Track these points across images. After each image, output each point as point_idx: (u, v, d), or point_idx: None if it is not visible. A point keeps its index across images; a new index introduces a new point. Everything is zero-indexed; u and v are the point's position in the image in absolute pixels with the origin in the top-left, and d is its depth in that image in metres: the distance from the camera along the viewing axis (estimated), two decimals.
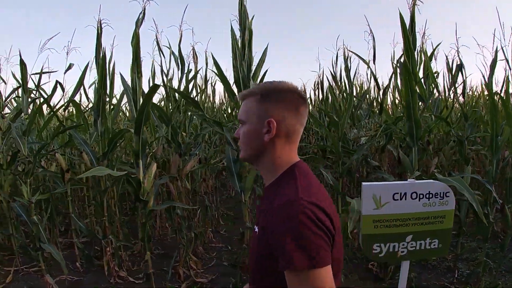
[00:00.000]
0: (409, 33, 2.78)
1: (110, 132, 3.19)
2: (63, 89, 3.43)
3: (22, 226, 3.82)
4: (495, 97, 2.89)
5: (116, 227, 3.44)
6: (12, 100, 3.99)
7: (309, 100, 6.29)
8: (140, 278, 3.43)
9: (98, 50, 3.24)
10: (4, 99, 3.59)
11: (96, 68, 3.24)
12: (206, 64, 3.71)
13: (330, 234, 0.86)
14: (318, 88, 4.76)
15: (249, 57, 2.85)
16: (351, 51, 3.24)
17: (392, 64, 3.51)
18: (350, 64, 3.54)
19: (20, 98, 3.25)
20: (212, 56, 2.99)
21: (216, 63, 2.97)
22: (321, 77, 4.41)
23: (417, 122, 2.63)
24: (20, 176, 3.63)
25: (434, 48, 3.11)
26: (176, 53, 3.32)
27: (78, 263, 3.62)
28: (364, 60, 3.19)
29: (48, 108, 3.53)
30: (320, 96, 4.67)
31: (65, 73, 3.42)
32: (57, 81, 3.37)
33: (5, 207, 3.53)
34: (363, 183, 1.87)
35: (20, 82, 3.16)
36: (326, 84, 4.31)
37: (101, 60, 3.12)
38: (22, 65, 3.11)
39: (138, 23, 2.87)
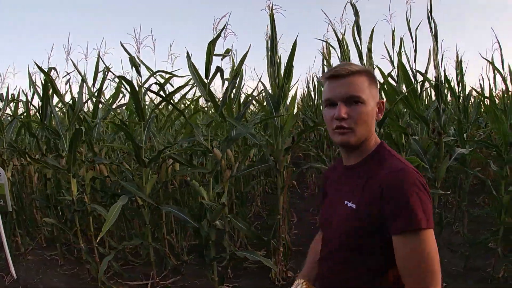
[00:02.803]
0: None
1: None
2: (222, 76, 3.05)
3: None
4: None
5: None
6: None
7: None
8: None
9: (274, 37, 3.02)
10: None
11: (271, 56, 3.01)
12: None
13: None
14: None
15: None
16: (486, 59, 3.63)
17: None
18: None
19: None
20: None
21: None
22: None
23: None
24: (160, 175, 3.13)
25: None
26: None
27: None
28: (496, 68, 3.63)
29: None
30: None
31: (222, 59, 3.04)
32: (218, 67, 2.98)
33: (146, 213, 3.01)
34: None
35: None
36: None
37: (291, 49, 2.92)
38: (211, 45, 2.71)
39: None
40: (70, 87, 3.07)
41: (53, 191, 3.17)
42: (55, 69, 3.06)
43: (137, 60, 2.94)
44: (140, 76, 3.01)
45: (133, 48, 2.98)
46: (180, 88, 3.12)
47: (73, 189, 3.00)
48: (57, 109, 3.48)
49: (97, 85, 3.15)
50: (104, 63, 2.92)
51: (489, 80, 7.63)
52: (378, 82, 1.02)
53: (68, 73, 3.03)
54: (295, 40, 2.97)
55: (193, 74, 2.84)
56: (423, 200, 0.85)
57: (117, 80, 3.14)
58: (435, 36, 3.03)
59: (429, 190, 0.89)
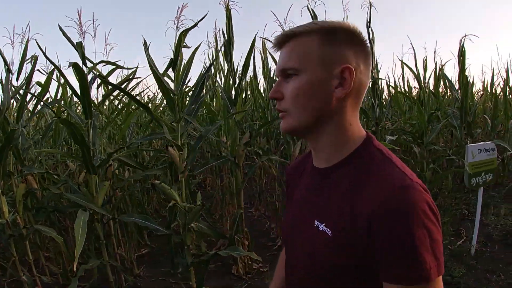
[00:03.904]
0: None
1: None
2: (173, 70, 2.82)
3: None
4: None
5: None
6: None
7: None
8: None
9: (230, 33, 2.95)
10: None
11: (227, 52, 2.93)
12: None
13: None
14: None
15: None
16: (402, 61, 4.22)
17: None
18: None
19: None
20: None
21: None
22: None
23: (466, 112, 4.01)
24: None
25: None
26: None
27: None
28: (411, 69, 4.31)
29: None
30: None
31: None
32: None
33: (100, 227, 2.63)
34: (467, 145, 3.16)
35: None
36: None
37: (250, 46, 2.90)
38: (182, 35, 2.46)
39: None
40: None
41: None
42: None
43: (82, 48, 2.51)
44: (86, 67, 2.58)
45: (76, 33, 2.55)
46: (131, 79, 2.81)
47: (5, 209, 2.41)
48: None
49: (23, 79, 2.58)
50: (41, 50, 2.38)
51: (394, 78, 9.09)
52: (354, 40, 0.69)
53: None
54: (254, 38, 3.01)
55: (152, 68, 2.56)
56: (432, 234, 0.58)
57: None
58: (372, 41, 3.42)
59: (437, 211, 0.61)
